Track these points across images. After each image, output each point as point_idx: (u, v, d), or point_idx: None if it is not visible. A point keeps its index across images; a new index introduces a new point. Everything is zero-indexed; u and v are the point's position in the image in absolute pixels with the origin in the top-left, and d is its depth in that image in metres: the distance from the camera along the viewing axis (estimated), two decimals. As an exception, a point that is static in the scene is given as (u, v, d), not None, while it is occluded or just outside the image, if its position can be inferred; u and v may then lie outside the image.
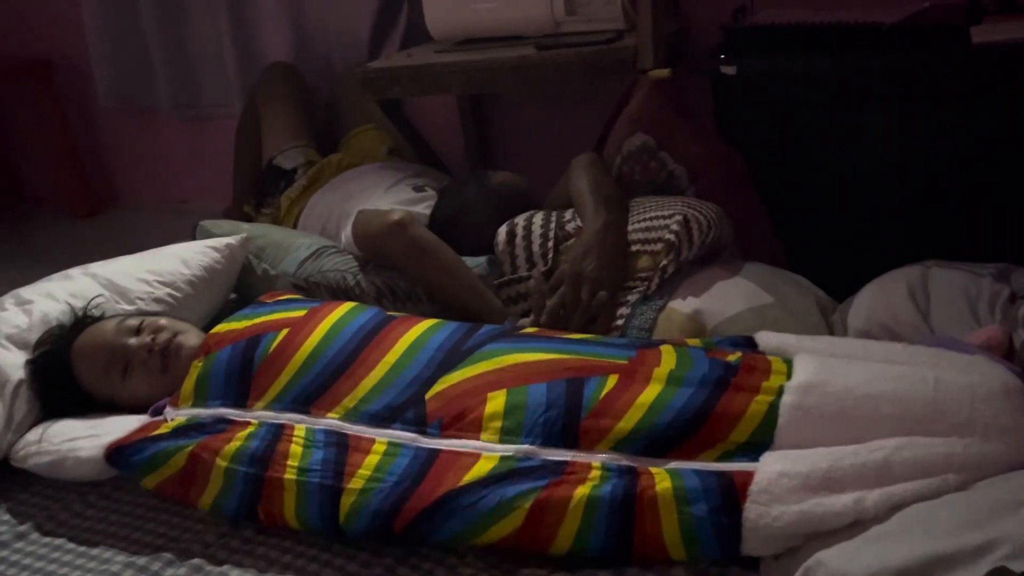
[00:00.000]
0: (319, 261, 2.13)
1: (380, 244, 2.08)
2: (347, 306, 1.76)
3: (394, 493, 1.43)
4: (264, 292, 2.00)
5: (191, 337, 1.81)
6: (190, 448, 1.57)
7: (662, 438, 1.40)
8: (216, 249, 2.14)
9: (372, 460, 1.48)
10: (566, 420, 1.43)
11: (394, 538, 1.45)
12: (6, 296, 2.02)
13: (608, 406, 1.43)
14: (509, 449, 1.42)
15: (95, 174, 3.65)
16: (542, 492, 1.36)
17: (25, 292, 2.02)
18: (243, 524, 1.56)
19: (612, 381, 1.47)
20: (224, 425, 1.60)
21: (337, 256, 2.14)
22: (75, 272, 2.09)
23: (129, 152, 3.57)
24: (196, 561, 1.49)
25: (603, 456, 1.40)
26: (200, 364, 1.69)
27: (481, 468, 1.41)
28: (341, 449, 1.50)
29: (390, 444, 1.49)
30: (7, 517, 1.68)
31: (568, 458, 1.40)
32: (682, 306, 1.82)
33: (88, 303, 1.94)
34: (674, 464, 1.37)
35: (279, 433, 1.55)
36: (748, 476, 1.32)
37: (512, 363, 1.54)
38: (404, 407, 1.53)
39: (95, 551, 1.56)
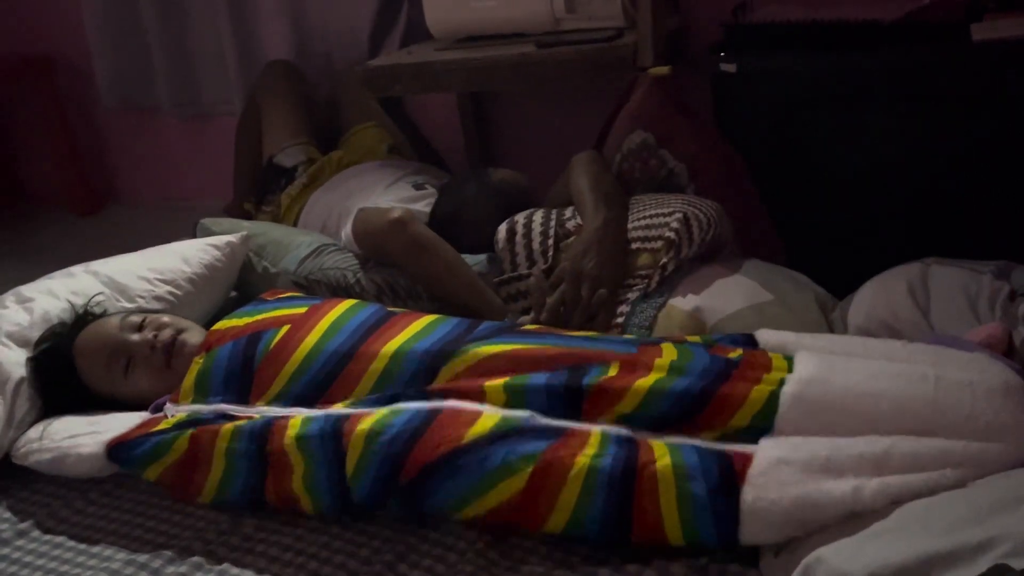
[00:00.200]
0: (319, 259, 2.13)
1: (380, 242, 2.08)
2: (348, 303, 1.76)
3: (398, 440, 1.44)
4: (265, 290, 2.00)
5: (193, 334, 1.82)
6: (191, 431, 1.58)
7: (663, 417, 1.41)
8: (217, 247, 2.14)
9: (374, 417, 1.49)
10: (567, 397, 1.45)
11: (401, 499, 1.45)
12: (7, 294, 2.03)
13: (609, 386, 1.44)
14: (510, 412, 1.45)
15: (96, 172, 3.65)
16: (544, 455, 1.37)
17: (26, 290, 2.02)
18: (243, 521, 1.56)
19: (614, 369, 1.48)
20: (225, 420, 1.60)
21: (337, 254, 2.14)
22: (76, 270, 2.09)
23: (130, 150, 3.58)
24: (196, 559, 1.49)
25: (604, 426, 1.41)
26: (201, 360, 1.70)
27: (483, 424, 1.43)
28: (342, 419, 1.52)
29: (391, 411, 1.50)
30: (8, 515, 1.68)
31: (569, 425, 1.42)
32: (682, 303, 1.82)
33: (89, 301, 1.95)
34: (674, 439, 1.38)
35: (278, 416, 1.57)
36: (747, 459, 1.33)
37: (513, 350, 1.55)
38: (406, 397, 1.53)
39: (96, 548, 1.57)
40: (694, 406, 1.41)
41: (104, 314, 1.91)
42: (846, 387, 1.38)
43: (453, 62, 2.36)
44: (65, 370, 1.82)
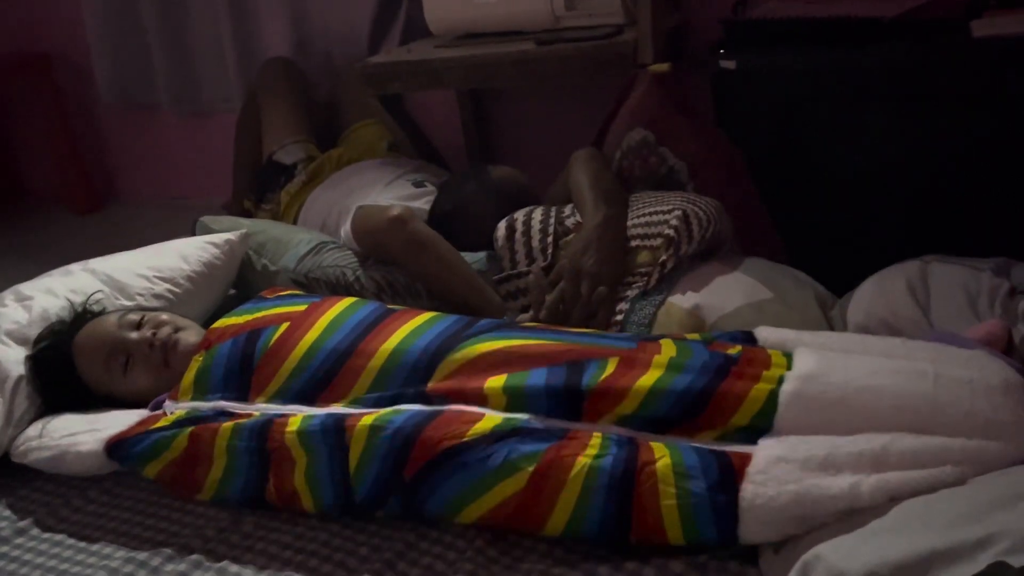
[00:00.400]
0: (319, 257, 2.13)
1: (379, 239, 2.08)
2: (348, 301, 1.76)
3: (401, 434, 1.44)
4: (264, 288, 2.00)
5: (191, 333, 1.82)
6: (191, 429, 1.59)
7: (663, 418, 1.41)
8: (216, 245, 2.14)
9: (377, 413, 1.50)
10: (567, 398, 1.45)
11: (402, 497, 1.45)
12: (6, 292, 2.03)
13: (608, 387, 1.44)
14: (512, 415, 1.45)
15: (95, 170, 3.65)
16: (545, 455, 1.38)
17: (25, 288, 2.02)
18: (243, 519, 1.56)
19: (612, 365, 1.48)
20: (224, 418, 1.60)
21: (337, 252, 2.14)
22: (75, 268, 2.09)
23: (129, 148, 3.58)
24: (196, 556, 1.49)
25: (604, 428, 1.42)
26: (200, 358, 1.70)
27: (485, 424, 1.43)
28: (343, 415, 1.52)
29: (393, 410, 1.51)
30: (7, 513, 1.68)
31: (570, 426, 1.43)
32: (682, 301, 1.82)
33: (88, 299, 1.95)
34: (673, 440, 1.39)
35: (278, 414, 1.57)
36: (746, 458, 1.33)
37: (510, 346, 1.55)
38: (405, 396, 1.54)
39: (95, 546, 1.57)
40: (695, 406, 1.41)
41: (103, 312, 1.91)
42: (845, 384, 1.39)
43: (453, 59, 2.36)
44: (64, 368, 1.82)
